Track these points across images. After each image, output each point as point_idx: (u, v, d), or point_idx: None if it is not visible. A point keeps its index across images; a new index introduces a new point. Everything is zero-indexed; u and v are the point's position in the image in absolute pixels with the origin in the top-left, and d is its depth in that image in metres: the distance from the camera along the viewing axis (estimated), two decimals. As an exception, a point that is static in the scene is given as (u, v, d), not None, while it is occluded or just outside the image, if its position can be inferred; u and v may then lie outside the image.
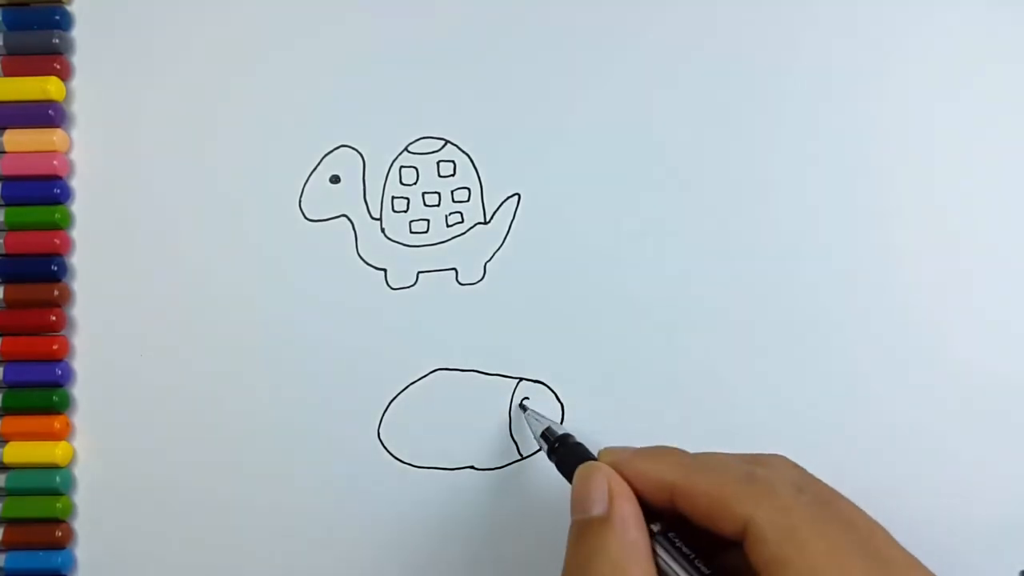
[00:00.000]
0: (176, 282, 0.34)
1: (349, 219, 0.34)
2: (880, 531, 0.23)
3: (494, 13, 0.34)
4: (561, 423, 0.33)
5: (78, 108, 0.35)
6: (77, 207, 0.35)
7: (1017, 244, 0.34)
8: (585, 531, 0.24)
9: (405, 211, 0.34)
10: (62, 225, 0.34)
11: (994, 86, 0.34)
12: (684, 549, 0.24)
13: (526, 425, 0.33)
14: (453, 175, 0.34)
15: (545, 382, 0.33)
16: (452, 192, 0.34)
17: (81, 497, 0.34)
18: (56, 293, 0.34)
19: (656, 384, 0.33)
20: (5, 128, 0.34)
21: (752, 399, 0.33)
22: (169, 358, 0.34)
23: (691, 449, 0.26)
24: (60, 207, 0.34)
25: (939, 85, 0.34)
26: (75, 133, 0.35)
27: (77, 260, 0.34)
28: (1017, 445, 0.33)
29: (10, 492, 0.34)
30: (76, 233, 0.34)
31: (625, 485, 0.25)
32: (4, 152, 0.34)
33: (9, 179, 0.34)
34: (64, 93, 0.34)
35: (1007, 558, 0.33)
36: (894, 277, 0.34)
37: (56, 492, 0.33)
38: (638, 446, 0.27)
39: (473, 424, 0.34)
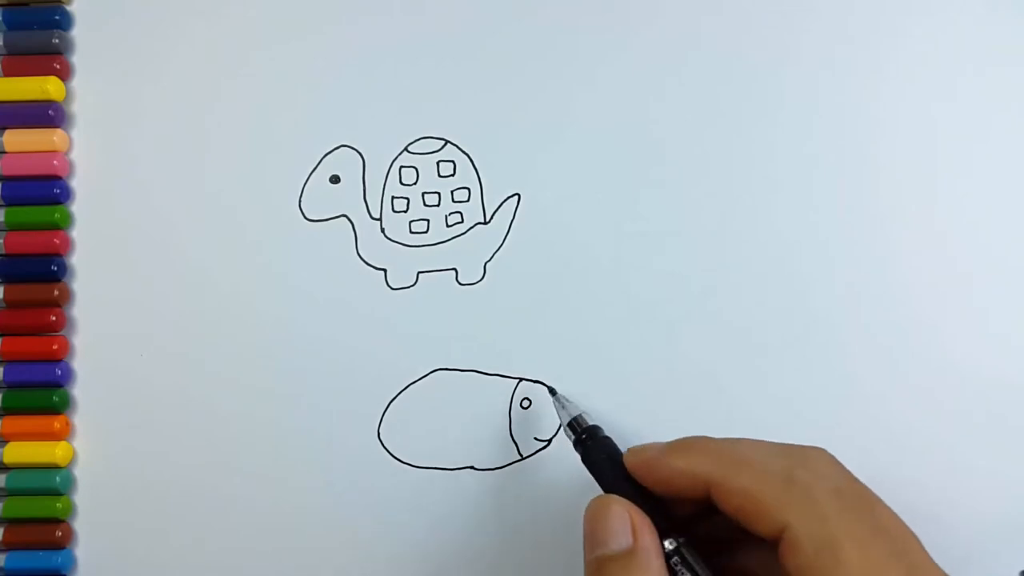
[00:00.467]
0: (176, 282, 0.34)
1: (349, 219, 0.34)
2: (914, 541, 0.23)
3: (494, 13, 0.34)
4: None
5: (78, 108, 0.35)
6: (77, 207, 0.35)
7: (1016, 244, 0.34)
8: (609, 567, 0.24)
9: (405, 211, 0.34)
10: (62, 225, 0.34)
11: (994, 86, 0.34)
12: (695, 567, 0.24)
13: (526, 425, 0.33)
14: (453, 175, 0.34)
15: (545, 382, 0.33)
16: (452, 192, 0.34)
17: (81, 497, 0.34)
18: (56, 293, 0.34)
19: (656, 383, 0.33)
20: (5, 128, 0.34)
21: (751, 399, 0.33)
22: (169, 358, 0.34)
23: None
24: (60, 207, 0.34)
25: (938, 85, 0.34)
26: (75, 133, 0.35)
27: (77, 260, 0.34)
28: (1016, 445, 0.33)
29: (10, 492, 0.34)
30: (76, 233, 0.34)
31: (644, 515, 0.25)
32: (4, 152, 0.34)
33: (9, 179, 0.34)
34: (64, 93, 0.34)
35: (1007, 558, 0.33)
36: (893, 276, 0.34)
37: (56, 492, 0.33)
38: (667, 440, 0.26)
39: (473, 424, 0.34)
